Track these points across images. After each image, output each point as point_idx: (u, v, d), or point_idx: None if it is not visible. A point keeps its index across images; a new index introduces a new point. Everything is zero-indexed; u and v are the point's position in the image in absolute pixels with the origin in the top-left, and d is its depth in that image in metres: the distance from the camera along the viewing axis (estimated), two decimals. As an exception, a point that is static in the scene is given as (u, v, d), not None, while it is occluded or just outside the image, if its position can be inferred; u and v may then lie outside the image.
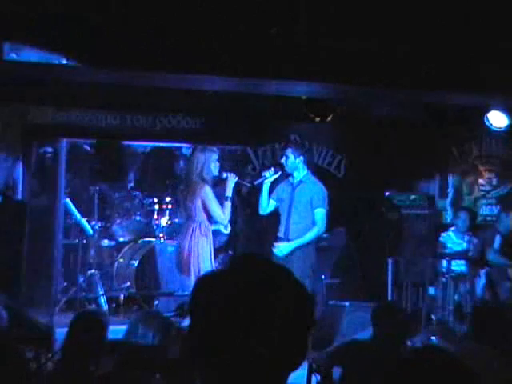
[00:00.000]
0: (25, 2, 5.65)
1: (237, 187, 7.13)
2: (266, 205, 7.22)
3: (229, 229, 7.06)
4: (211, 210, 6.81)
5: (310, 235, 7.03)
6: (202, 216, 6.88)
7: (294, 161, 7.06)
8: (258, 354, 1.44)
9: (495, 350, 5.12)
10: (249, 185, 7.33)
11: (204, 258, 6.75)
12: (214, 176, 6.92)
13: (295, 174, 7.11)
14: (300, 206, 7.07)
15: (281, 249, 7.00)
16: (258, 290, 1.46)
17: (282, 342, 1.46)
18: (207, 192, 6.81)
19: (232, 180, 6.94)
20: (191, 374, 1.49)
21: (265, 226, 7.87)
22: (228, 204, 6.87)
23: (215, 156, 6.96)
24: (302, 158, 7.11)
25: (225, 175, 6.99)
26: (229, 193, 6.90)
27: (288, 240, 7.06)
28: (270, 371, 1.46)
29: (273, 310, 1.45)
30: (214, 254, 7.00)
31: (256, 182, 7.26)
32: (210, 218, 6.90)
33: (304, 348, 1.51)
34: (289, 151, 7.12)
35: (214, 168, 6.92)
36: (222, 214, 6.83)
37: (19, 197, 8.04)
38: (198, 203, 6.82)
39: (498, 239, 8.20)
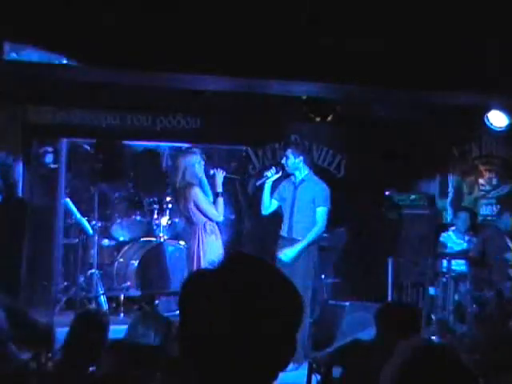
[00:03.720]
0: (25, 1, 5.65)
1: (241, 187, 7.18)
2: (268, 204, 7.24)
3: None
4: (204, 209, 6.88)
5: (312, 235, 7.05)
6: (202, 216, 6.92)
7: (294, 161, 7.09)
8: (247, 352, 1.44)
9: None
10: (236, 177, 7.36)
11: (214, 256, 6.76)
12: (199, 177, 7.00)
13: (296, 173, 7.14)
14: (303, 204, 7.09)
15: (286, 254, 6.99)
16: (247, 289, 1.46)
17: (271, 341, 1.46)
18: (196, 193, 6.89)
19: (220, 176, 7.01)
20: (191, 373, 1.49)
21: (268, 225, 7.91)
22: (220, 200, 6.95)
23: (197, 157, 7.04)
24: (301, 158, 7.15)
25: (212, 172, 7.07)
26: (219, 188, 6.98)
27: (292, 239, 7.07)
28: (258, 371, 1.46)
29: (262, 309, 1.45)
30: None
31: (258, 183, 7.30)
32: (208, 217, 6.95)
33: (292, 347, 1.51)
34: (289, 151, 7.16)
35: (199, 169, 7.00)
36: (216, 212, 6.90)
37: (19, 197, 8.04)
38: (192, 206, 6.89)
39: None
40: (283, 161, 7.18)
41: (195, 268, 6.85)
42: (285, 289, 1.50)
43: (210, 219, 6.95)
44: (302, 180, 7.15)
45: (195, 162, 6.98)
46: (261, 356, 1.45)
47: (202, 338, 1.45)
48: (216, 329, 1.43)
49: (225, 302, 1.44)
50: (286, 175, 7.20)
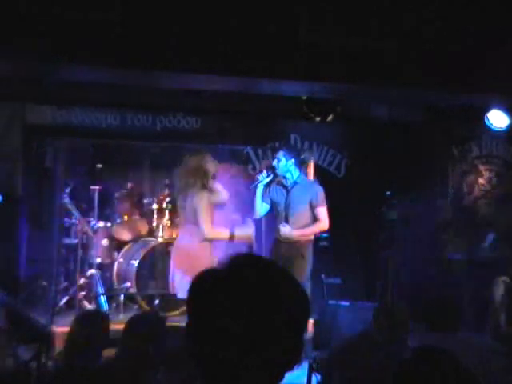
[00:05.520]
0: (25, 2, 5.65)
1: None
2: (260, 208, 7.24)
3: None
4: (202, 219, 6.74)
5: (314, 228, 7.08)
6: (204, 220, 6.85)
7: (285, 163, 7.09)
8: (256, 353, 1.44)
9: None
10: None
11: (210, 262, 6.72)
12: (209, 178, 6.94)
13: (288, 175, 7.13)
14: (298, 207, 7.09)
15: (282, 231, 7.04)
16: (256, 290, 1.46)
17: (280, 342, 1.46)
18: (205, 198, 6.77)
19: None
20: (192, 371, 1.50)
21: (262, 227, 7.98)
22: (218, 185, 6.89)
23: (207, 157, 6.93)
24: (293, 160, 7.15)
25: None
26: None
27: (289, 241, 7.07)
28: (267, 371, 1.46)
29: (271, 310, 1.45)
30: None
31: (251, 187, 7.27)
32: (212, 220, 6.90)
33: (300, 347, 1.51)
34: (280, 154, 7.15)
35: (211, 168, 6.91)
36: (208, 226, 6.76)
37: (19, 196, 8.04)
38: (199, 211, 6.79)
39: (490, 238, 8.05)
40: (274, 163, 7.16)
41: (189, 268, 6.80)
42: (293, 289, 1.51)
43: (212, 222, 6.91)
44: (295, 183, 7.14)
45: (204, 162, 6.91)
46: (270, 356, 1.45)
47: (211, 338, 1.45)
48: (227, 329, 1.43)
49: (236, 303, 1.44)
50: (277, 178, 7.19)
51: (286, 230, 7.05)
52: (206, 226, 6.61)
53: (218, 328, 1.44)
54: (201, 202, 6.66)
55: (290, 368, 1.49)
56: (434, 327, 4.61)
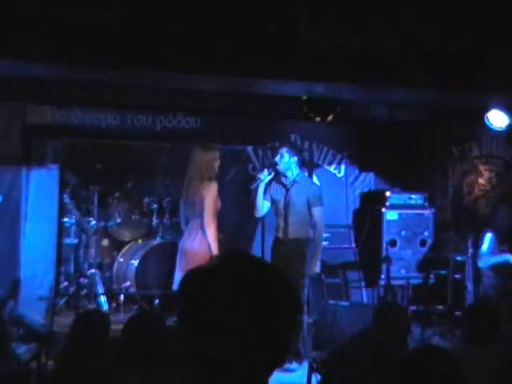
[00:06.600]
0: (25, 2, 5.65)
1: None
2: (262, 206, 7.25)
3: None
4: (208, 209, 6.78)
5: (321, 237, 7.16)
6: (208, 213, 6.83)
7: (288, 160, 7.12)
8: (256, 351, 1.44)
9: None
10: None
11: (207, 256, 6.71)
12: (215, 173, 6.98)
13: (288, 173, 7.15)
14: (297, 205, 7.11)
15: (316, 268, 7.18)
16: (247, 287, 1.46)
17: (278, 341, 1.46)
18: (214, 189, 6.82)
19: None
20: (192, 370, 1.50)
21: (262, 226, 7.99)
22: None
23: (217, 154, 7.02)
24: (296, 158, 7.18)
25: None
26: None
27: (289, 239, 7.09)
28: (257, 369, 1.46)
29: (261, 307, 1.45)
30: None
31: (253, 186, 7.27)
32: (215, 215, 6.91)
33: (289, 344, 1.51)
34: (284, 150, 7.18)
35: (217, 165, 6.99)
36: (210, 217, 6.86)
37: (19, 197, 8.04)
38: (205, 201, 6.77)
39: (488, 238, 7.93)
40: (277, 159, 7.18)
41: (185, 264, 6.80)
42: (289, 288, 1.51)
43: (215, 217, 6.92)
44: (294, 181, 7.17)
45: (216, 159, 6.98)
46: (269, 355, 1.45)
47: (208, 332, 1.44)
48: (225, 323, 1.43)
49: (236, 297, 1.44)
50: (278, 176, 7.21)
51: (315, 267, 7.16)
52: (208, 216, 6.69)
53: (215, 321, 1.43)
54: (209, 192, 6.73)
55: (279, 365, 1.50)
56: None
